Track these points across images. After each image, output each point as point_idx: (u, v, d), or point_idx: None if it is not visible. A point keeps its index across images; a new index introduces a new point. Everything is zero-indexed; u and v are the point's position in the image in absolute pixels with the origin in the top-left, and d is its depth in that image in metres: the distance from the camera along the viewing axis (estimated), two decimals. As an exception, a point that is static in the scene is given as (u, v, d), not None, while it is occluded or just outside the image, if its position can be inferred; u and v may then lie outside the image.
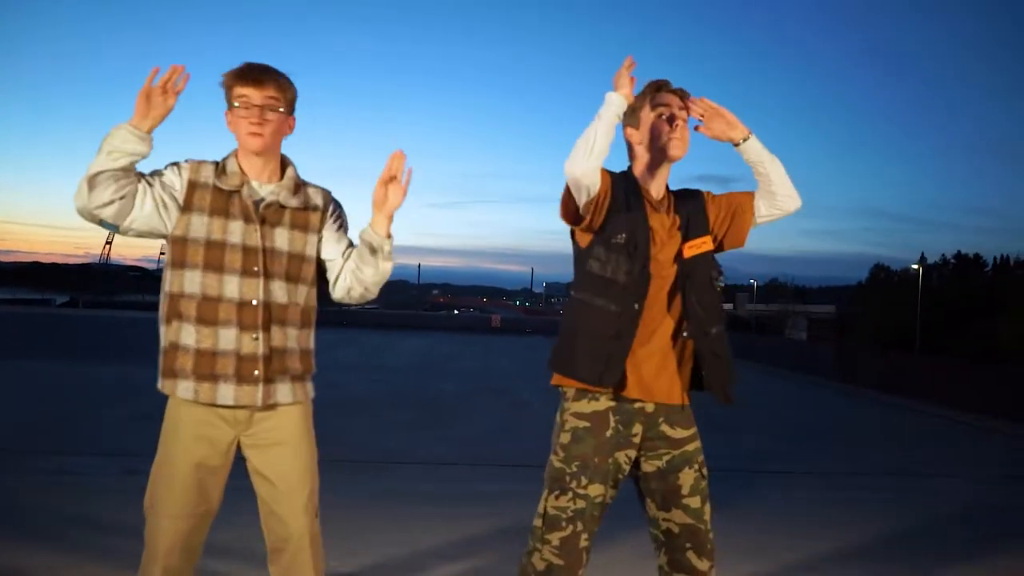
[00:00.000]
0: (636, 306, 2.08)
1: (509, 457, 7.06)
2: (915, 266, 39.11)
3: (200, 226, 2.02)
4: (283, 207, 2.09)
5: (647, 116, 2.18)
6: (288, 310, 2.09)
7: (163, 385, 2.06)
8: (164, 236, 2.05)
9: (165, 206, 2.01)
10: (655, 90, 2.19)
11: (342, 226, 2.20)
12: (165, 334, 2.05)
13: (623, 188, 2.14)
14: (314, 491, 2.15)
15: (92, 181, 1.91)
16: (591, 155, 1.98)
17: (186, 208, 2.03)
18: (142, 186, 1.99)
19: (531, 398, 11.90)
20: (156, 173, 2.05)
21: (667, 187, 2.25)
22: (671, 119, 2.16)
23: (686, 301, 2.12)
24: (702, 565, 2.13)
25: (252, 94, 2.03)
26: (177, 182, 2.04)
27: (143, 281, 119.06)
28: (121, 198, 1.94)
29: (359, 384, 12.53)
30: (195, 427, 2.03)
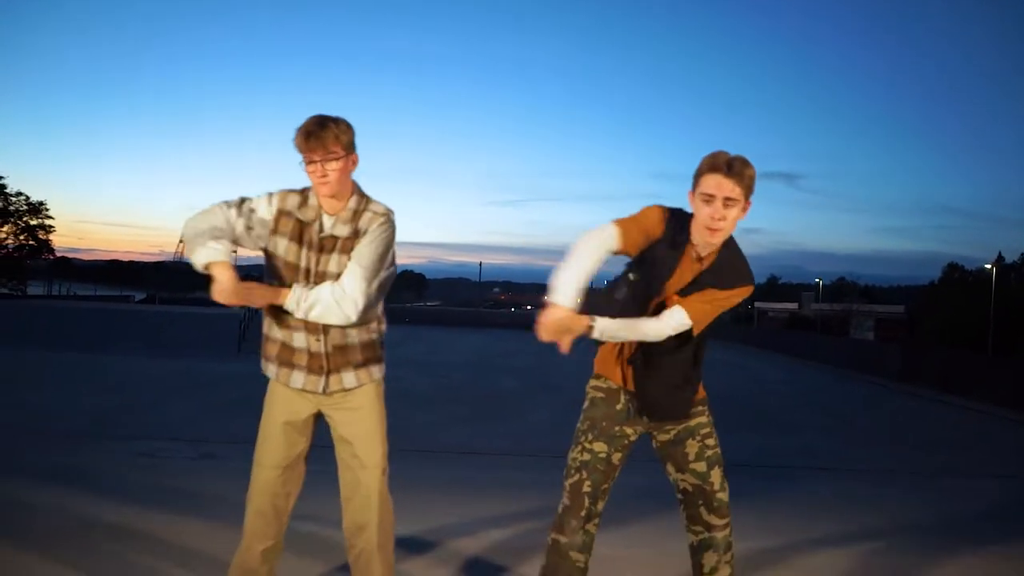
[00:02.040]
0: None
1: (563, 450, 7.32)
2: (988, 265, 37.83)
3: (282, 248, 2.46)
4: (336, 238, 2.46)
5: (694, 196, 2.36)
6: None
7: (263, 366, 2.60)
8: (261, 249, 2.51)
9: (250, 230, 2.45)
10: (701, 173, 2.35)
11: (372, 237, 2.45)
12: (264, 325, 2.57)
13: (671, 234, 2.37)
14: (384, 453, 2.57)
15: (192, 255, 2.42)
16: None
17: (274, 231, 2.47)
18: (233, 215, 2.42)
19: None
20: (248, 203, 2.46)
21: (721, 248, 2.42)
22: (709, 201, 2.31)
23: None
24: (712, 520, 2.50)
25: (312, 154, 2.39)
26: (267, 211, 2.46)
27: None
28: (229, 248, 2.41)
29: (421, 380, 12.92)
30: (282, 399, 2.56)
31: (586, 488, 2.48)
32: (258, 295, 2.40)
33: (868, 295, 69.70)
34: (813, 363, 26.46)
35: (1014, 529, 4.98)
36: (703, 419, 2.54)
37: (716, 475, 2.51)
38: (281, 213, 2.46)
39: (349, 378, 2.53)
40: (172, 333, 20.28)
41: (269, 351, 2.55)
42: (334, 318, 2.39)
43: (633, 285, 2.43)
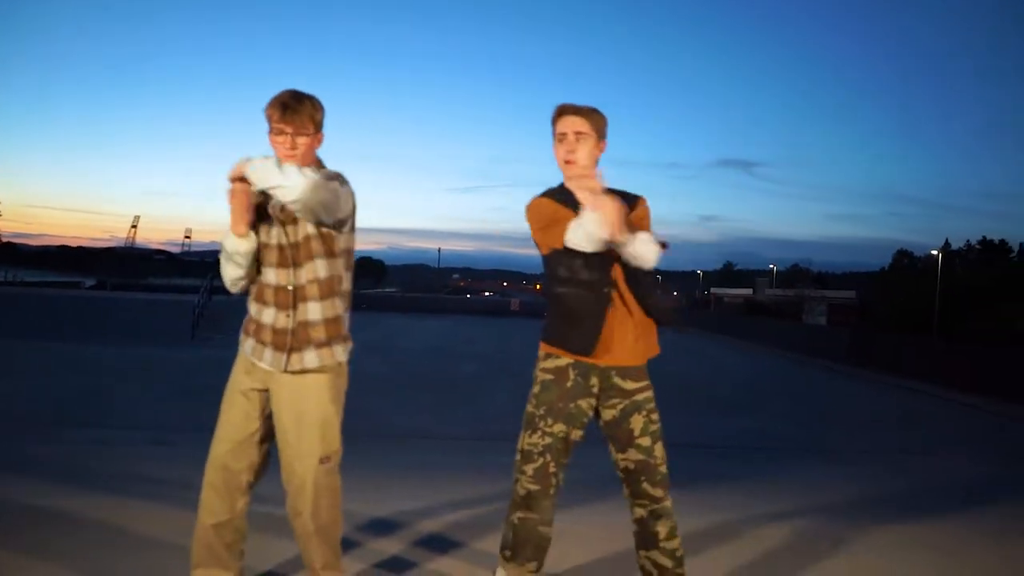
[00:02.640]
0: (605, 290, 2.53)
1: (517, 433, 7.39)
2: (933, 251, 38.90)
3: (259, 231, 2.51)
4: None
5: (554, 144, 2.59)
6: (306, 289, 2.50)
7: (240, 340, 2.62)
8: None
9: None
10: (554, 119, 2.58)
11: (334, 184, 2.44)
12: (248, 307, 2.61)
13: (559, 199, 2.55)
14: (325, 441, 2.53)
15: (227, 280, 2.55)
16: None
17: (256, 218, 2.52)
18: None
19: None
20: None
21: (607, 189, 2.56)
22: (562, 139, 2.55)
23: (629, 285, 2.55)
24: (656, 492, 2.56)
25: (286, 126, 2.42)
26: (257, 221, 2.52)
27: (169, 264, 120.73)
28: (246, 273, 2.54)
29: (381, 366, 12.90)
30: (244, 371, 2.59)
31: (551, 469, 2.55)
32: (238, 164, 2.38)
33: (821, 281, 71.03)
34: (767, 348, 26.98)
35: (951, 502, 5.16)
36: (649, 393, 2.60)
37: (659, 449, 2.57)
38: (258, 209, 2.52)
39: (311, 357, 2.51)
40: (124, 320, 19.88)
41: (248, 327, 2.60)
42: (291, 184, 2.25)
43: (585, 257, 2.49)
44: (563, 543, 3.21)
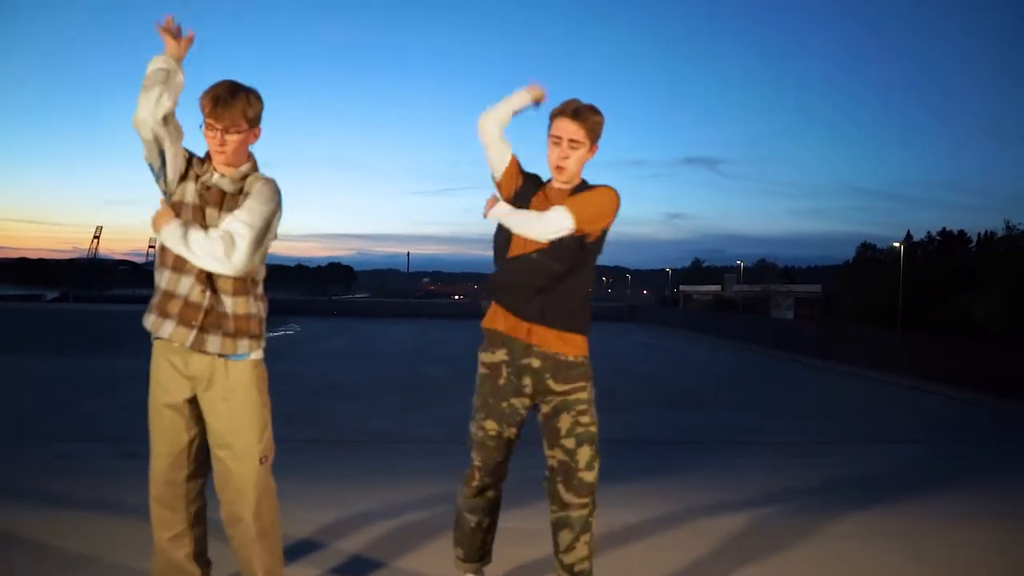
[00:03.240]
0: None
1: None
2: (895, 244, 39.65)
3: (176, 187, 2.43)
4: (223, 192, 2.44)
5: (548, 139, 2.62)
6: (223, 280, 2.42)
7: (144, 319, 2.51)
8: (161, 165, 2.43)
9: (175, 161, 2.41)
10: (552, 117, 2.61)
11: (252, 199, 2.44)
12: (155, 277, 2.50)
13: (530, 179, 2.67)
14: (261, 440, 2.47)
15: (140, 103, 2.32)
16: (492, 139, 2.64)
17: (182, 179, 2.44)
18: (174, 140, 2.39)
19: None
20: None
21: (582, 182, 2.64)
22: (557, 143, 2.58)
23: None
24: (568, 497, 2.52)
25: (215, 121, 2.37)
26: (183, 162, 2.45)
27: (133, 275, 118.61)
28: (162, 111, 2.33)
29: (351, 371, 12.84)
30: (163, 379, 2.48)
31: (477, 463, 2.64)
32: (160, 212, 2.39)
33: (788, 275, 72.05)
34: (735, 343, 27.27)
35: (911, 488, 5.30)
36: (582, 395, 2.55)
37: (584, 453, 2.51)
38: (190, 166, 2.46)
39: (215, 342, 2.40)
40: (88, 331, 19.58)
41: (153, 301, 2.47)
42: (211, 257, 2.29)
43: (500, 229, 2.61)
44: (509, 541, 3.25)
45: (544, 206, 2.54)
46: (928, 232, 48.55)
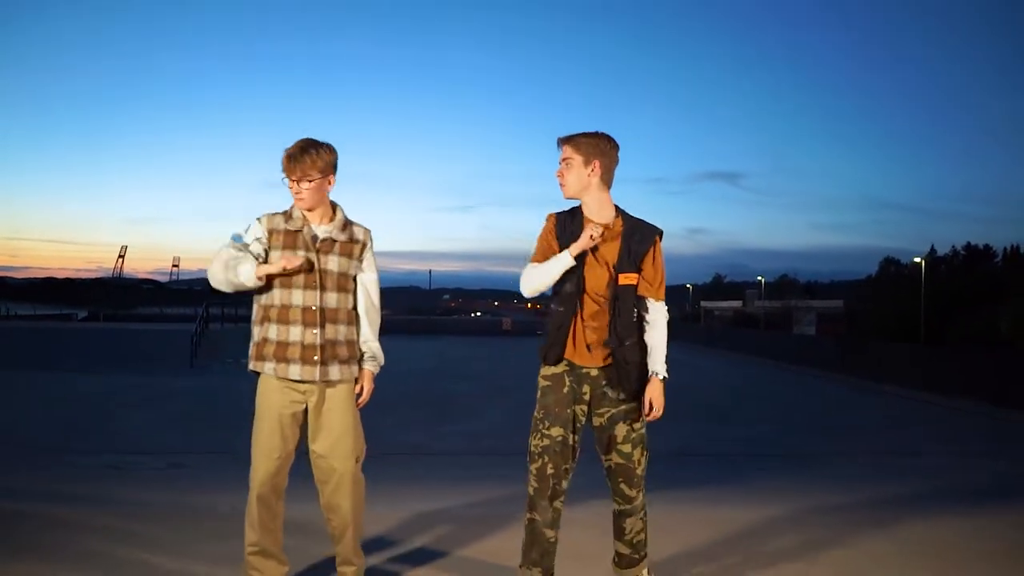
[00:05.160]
0: (576, 301, 2.87)
1: (514, 449, 7.66)
2: (917, 259, 39.48)
3: (277, 258, 2.85)
4: (334, 241, 2.91)
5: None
6: (338, 313, 2.91)
7: (254, 366, 2.90)
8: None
9: (259, 256, 2.86)
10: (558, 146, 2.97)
11: (372, 265, 3.02)
12: (256, 333, 2.91)
13: (565, 219, 2.94)
14: (356, 444, 2.92)
15: (216, 277, 2.85)
16: (535, 290, 2.96)
17: (272, 247, 2.88)
18: (247, 253, 2.85)
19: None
20: (244, 241, 2.87)
21: (617, 210, 2.94)
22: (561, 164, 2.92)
23: (612, 314, 2.89)
24: (631, 492, 2.89)
25: (290, 173, 2.85)
26: (261, 233, 2.88)
27: (157, 293, 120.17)
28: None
29: (378, 386, 13.15)
30: (277, 393, 2.88)
31: (549, 470, 2.80)
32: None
33: (810, 291, 71.61)
34: (756, 358, 27.37)
35: (933, 500, 5.45)
36: (634, 404, 2.89)
37: (638, 454, 2.88)
38: (272, 232, 2.88)
39: (335, 371, 2.88)
40: (122, 349, 20.09)
41: (265, 351, 2.87)
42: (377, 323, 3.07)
43: (569, 271, 2.87)
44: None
45: (598, 245, 2.84)
46: (953, 246, 48.14)
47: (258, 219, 2.92)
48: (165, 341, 21.38)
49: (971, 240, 50.93)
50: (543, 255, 2.93)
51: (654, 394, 2.84)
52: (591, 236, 2.77)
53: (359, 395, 2.99)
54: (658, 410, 2.84)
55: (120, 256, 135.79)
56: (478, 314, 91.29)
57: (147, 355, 19.33)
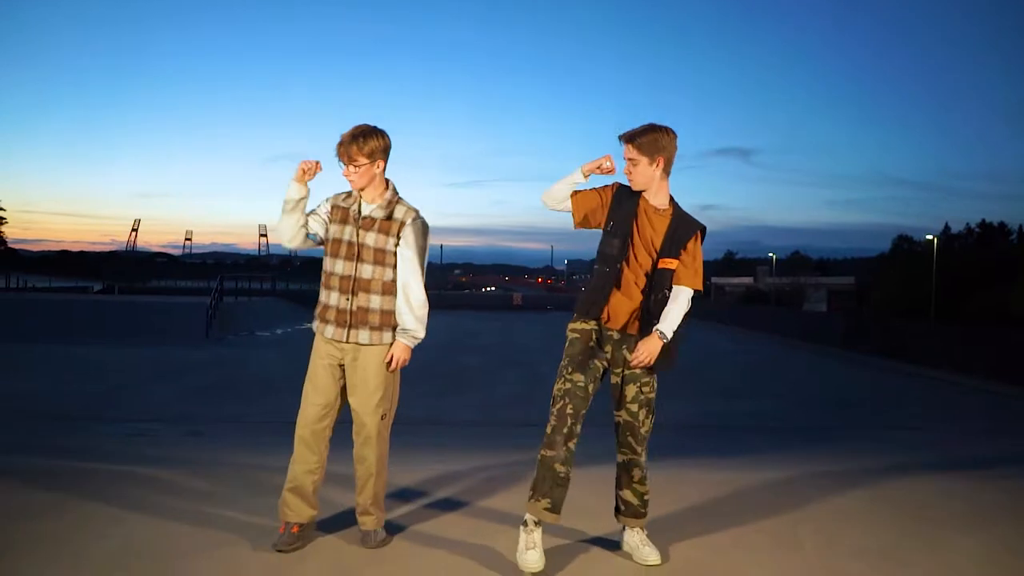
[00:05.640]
0: (617, 266, 3.16)
1: (525, 420, 7.88)
2: (929, 236, 39.37)
3: (333, 229, 3.29)
4: (374, 219, 3.26)
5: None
6: (371, 283, 3.24)
7: (311, 323, 3.37)
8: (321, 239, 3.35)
9: (320, 223, 3.32)
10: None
11: (411, 243, 3.27)
12: (322, 296, 3.32)
13: (624, 193, 3.21)
14: (383, 403, 3.25)
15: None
16: (553, 203, 3.26)
17: (330, 221, 3.32)
18: (312, 218, 3.30)
19: (549, 371, 12.62)
20: (315, 209, 3.34)
21: (671, 199, 3.23)
22: (627, 162, 3.21)
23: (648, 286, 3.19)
24: (636, 447, 3.21)
25: (341, 159, 3.23)
26: (324, 208, 3.33)
27: (170, 266, 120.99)
28: (301, 228, 3.27)
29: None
30: (323, 349, 3.30)
31: (569, 411, 3.09)
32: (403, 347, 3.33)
33: (822, 268, 71.46)
34: (765, 335, 27.47)
35: (926, 470, 5.59)
36: (647, 371, 3.20)
37: (643, 414, 3.19)
38: (334, 207, 3.31)
39: (364, 335, 3.22)
40: (138, 322, 20.41)
41: (316, 312, 3.32)
42: (424, 316, 3.33)
43: (612, 238, 3.17)
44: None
45: (646, 225, 3.18)
46: (967, 224, 47.92)
47: (326, 199, 3.35)
48: (180, 314, 21.68)
49: (987, 218, 50.50)
50: (586, 193, 3.24)
51: (648, 344, 3.11)
52: (605, 164, 3.18)
53: (389, 361, 3.26)
54: (645, 358, 3.10)
55: (134, 229, 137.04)
56: (490, 289, 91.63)
57: (162, 328, 19.63)
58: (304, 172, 3.21)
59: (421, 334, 3.32)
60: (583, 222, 3.25)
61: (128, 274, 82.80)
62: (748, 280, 70.48)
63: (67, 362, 12.38)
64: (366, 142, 3.19)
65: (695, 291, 3.19)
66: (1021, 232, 48.32)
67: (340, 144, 3.20)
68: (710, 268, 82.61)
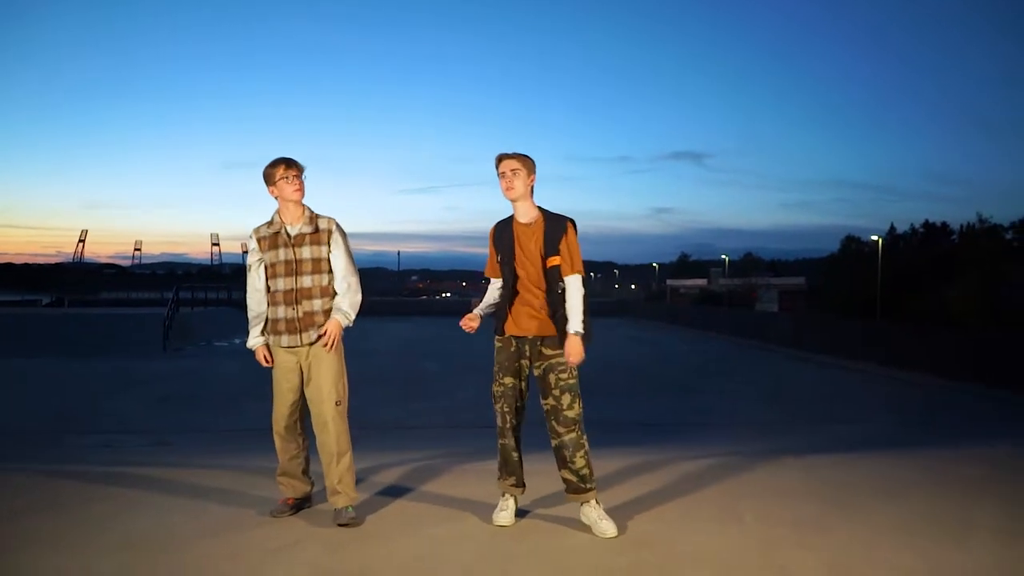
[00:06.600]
0: (512, 286, 3.65)
1: (487, 422, 8.12)
2: (874, 237, 40.61)
3: (268, 257, 3.71)
4: (304, 235, 3.69)
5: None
6: (312, 290, 3.68)
7: (269, 339, 3.74)
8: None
9: (261, 262, 3.72)
10: (496, 165, 3.67)
11: (339, 244, 3.71)
12: (269, 314, 3.75)
13: (499, 228, 3.70)
14: (335, 390, 3.66)
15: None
16: (493, 292, 3.77)
17: (263, 251, 3.73)
18: (257, 273, 3.74)
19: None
20: (251, 261, 3.76)
21: (540, 211, 3.66)
22: (503, 176, 3.64)
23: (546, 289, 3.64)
24: (560, 429, 3.59)
25: (293, 170, 3.67)
26: (255, 245, 3.75)
27: (120, 278, 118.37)
28: (264, 290, 3.75)
29: (350, 366, 13.53)
30: (280, 358, 3.73)
31: (505, 408, 3.65)
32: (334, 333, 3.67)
33: (774, 269, 72.98)
34: (717, 334, 28.16)
35: (847, 453, 5.99)
36: (560, 359, 3.59)
37: (566, 398, 3.56)
38: (259, 240, 3.72)
39: (312, 335, 3.67)
40: (94, 334, 20.19)
41: (269, 328, 3.75)
42: (358, 304, 3.73)
43: (502, 266, 3.65)
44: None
45: (527, 240, 3.62)
46: (911, 224, 49.46)
47: (250, 236, 3.77)
48: (135, 326, 21.49)
49: (930, 218, 52.09)
50: (489, 262, 3.78)
51: (571, 346, 3.50)
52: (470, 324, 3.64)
53: (329, 342, 3.65)
54: (574, 358, 3.49)
55: (81, 240, 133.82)
56: (446, 295, 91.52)
57: (119, 340, 19.45)
58: (263, 360, 3.73)
59: (352, 317, 3.72)
60: (494, 271, 3.77)
61: (77, 286, 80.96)
62: (702, 282, 71.61)
63: (23, 377, 12.32)
64: (300, 165, 3.71)
65: (580, 276, 3.60)
66: (962, 231, 49.91)
67: (290, 162, 3.66)
68: (665, 271, 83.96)
